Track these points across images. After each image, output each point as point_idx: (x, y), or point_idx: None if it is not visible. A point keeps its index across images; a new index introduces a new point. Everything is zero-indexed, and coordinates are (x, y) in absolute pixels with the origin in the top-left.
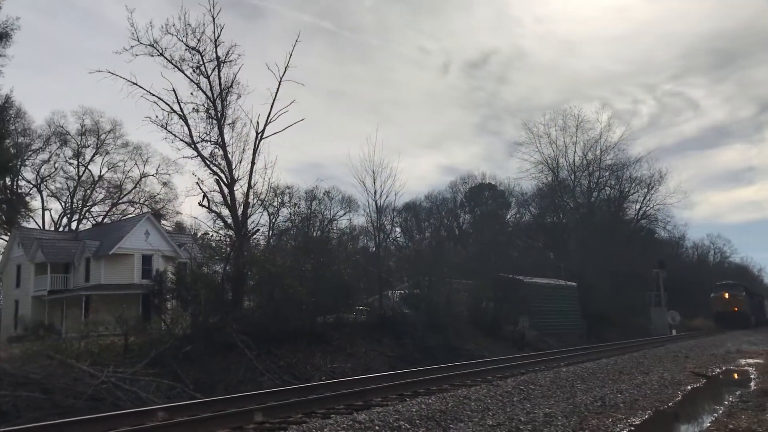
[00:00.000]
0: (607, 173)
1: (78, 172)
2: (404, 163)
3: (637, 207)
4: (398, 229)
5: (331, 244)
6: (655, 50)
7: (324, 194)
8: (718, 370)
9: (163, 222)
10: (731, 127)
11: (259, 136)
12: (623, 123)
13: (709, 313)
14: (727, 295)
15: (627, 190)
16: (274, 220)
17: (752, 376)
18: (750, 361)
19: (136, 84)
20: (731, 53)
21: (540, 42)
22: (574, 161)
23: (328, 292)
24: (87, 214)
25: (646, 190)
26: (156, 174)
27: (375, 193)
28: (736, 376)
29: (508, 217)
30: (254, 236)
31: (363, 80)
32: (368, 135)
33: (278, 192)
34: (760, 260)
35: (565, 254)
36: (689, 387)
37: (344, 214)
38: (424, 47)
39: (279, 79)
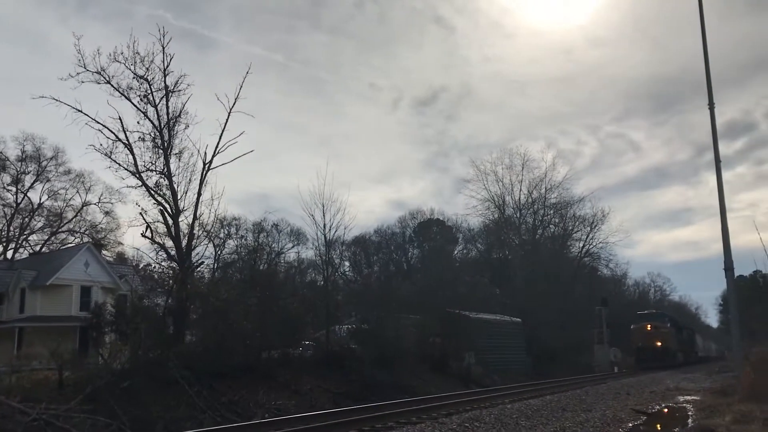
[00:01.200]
0: (552, 211)
1: (16, 199)
2: (354, 196)
3: (581, 245)
4: (347, 263)
5: (278, 278)
6: (598, 92)
7: (272, 227)
8: (657, 407)
9: (104, 252)
10: (670, 168)
11: (207, 166)
12: (567, 163)
13: (629, 348)
14: (649, 327)
15: (570, 228)
16: (219, 253)
17: (690, 413)
18: (688, 398)
19: (80, 111)
20: (670, 98)
21: (488, 81)
22: (519, 199)
23: (274, 327)
24: (24, 242)
25: (589, 228)
26: (98, 203)
27: (324, 226)
28: (675, 413)
29: (456, 252)
30: (198, 269)
31: (314, 113)
32: (318, 168)
33: (225, 223)
34: (698, 298)
35: (511, 290)
36: (630, 424)
37: (292, 247)
38: (374, 83)
39: (228, 110)
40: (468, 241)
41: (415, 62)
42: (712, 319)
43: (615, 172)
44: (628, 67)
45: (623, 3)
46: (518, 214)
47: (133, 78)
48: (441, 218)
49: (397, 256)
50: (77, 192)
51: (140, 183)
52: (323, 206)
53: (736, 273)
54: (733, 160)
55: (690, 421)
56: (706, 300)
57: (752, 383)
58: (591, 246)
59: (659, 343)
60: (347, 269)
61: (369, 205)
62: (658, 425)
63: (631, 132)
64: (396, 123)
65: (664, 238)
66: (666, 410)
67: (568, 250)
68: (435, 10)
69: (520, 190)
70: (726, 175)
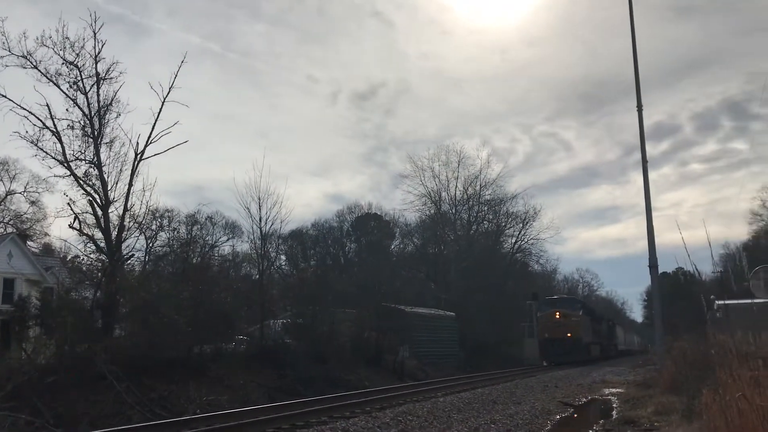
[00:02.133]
0: (486, 208)
1: None
2: (291, 189)
3: (513, 241)
4: (283, 257)
5: (211, 272)
6: (531, 92)
7: (206, 219)
8: (584, 399)
9: (29, 243)
10: (599, 168)
11: (139, 156)
12: (502, 160)
13: (535, 340)
14: (557, 315)
15: (504, 224)
16: (151, 245)
17: (614, 405)
18: (613, 390)
19: (4, 96)
20: (599, 98)
21: (426, 78)
22: (455, 195)
23: (207, 322)
24: None
25: (521, 225)
26: (24, 192)
27: (260, 219)
28: (600, 405)
29: (393, 247)
30: (129, 261)
31: (251, 105)
32: (255, 160)
33: (157, 215)
34: (624, 294)
35: (446, 285)
36: (558, 417)
37: (227, 240)
38: (313, 75)
39: (162, 99)
40: (405, 236)
41: (354, 56)
42: (637, 313)
43: (547, 170)
44: (561, 68)
45: (557, 4)
46: (454, 210)
47: (63, 64)
48: (378, 213)
49: (334, 250)
50: (1, 180)
51: (68, 172)
52: (259, 199)
53: (660, 270)
54: (659, 161)
55: (614, 413)
56: (631, 295)
57: (673, 376)
58: (523, 242)
59: (569, 334)
60: (283, 263)
61: (306, 199)
62: (585, 417)
63: (562, 131)
64: (335, 116)
65: (593, 235)
66: (592, 402)
67: (501, 245)
68: (374, 4)
69: (456, 186)
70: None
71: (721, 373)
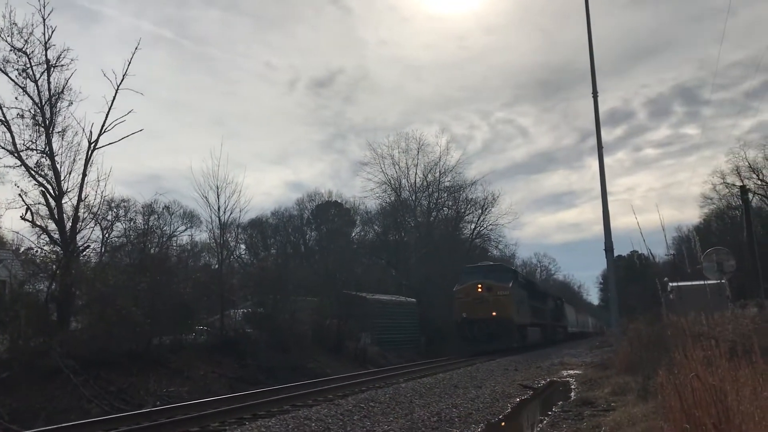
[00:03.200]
0: (445, 194)
1: None
2: (250, 178)
3: (472, 227)
4: (243, 246)
5: (169, 262)
6: (489, 79)
7: (163, 209)
8: (543, 382)
9: None
10: (556, 153)
11: (92, 146)
12: (461, 147)
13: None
14: (479, 289)
15: (463, 210)
16: (107, 236)
17: (572, 387)
18: (571, 372)
19: None
20: (556, 85)
21: (384, 64)
22: (415, 182)
23: (166, 313)
24: None
25: (480, 211)
26: None
27: (219, 209)
28: (559, 387)
29: (354, 234)
30: (84, 253)
31: (207, 92)
32: (212, 148)
33: (113, 206)
34: (580, 277)
35: (407, 271)
36: (518, 399)
37: (185, 230)
38: (270, 62)
39: (116, 87)
40: (365, 224)
41: (312, 42)
42: (594, 296)
43: (505, 156)
44: (518, 55)
45: None
46: (414, 197)
47: (11, 50)
48: (339, 200)
49: (294, 238)
50: None
51: (19, 163)
52: (218, 188)
53: (615, 253)
54: (614, 146)
55: (573, 394)
56: (588, 279)
57: (629, 357)
58: (482, 228)
59: (494, 313)
60: (243, 252)
61: (266, 187)
62: (544, 399)
63: (519, 118)
64: (293, 104)
65: (550, 220)
66: (551, 385)
67: (460, 232)
68: None
69: (416, 173)
70: (607, 161)
71: (676, 353)
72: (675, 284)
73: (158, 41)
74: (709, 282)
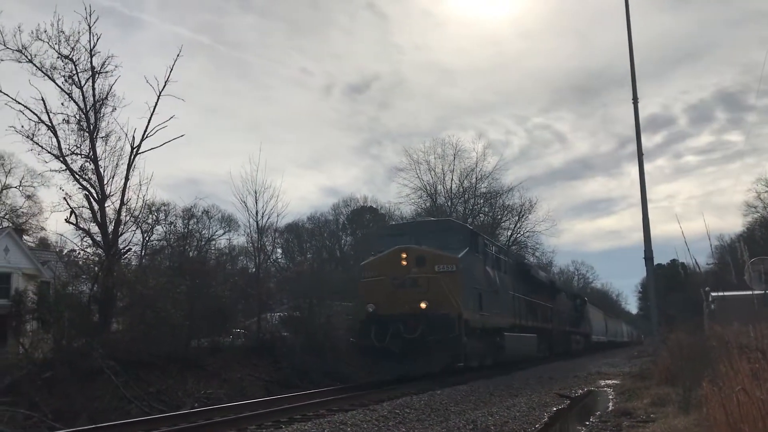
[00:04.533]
0: (482, 201)
1: None
2: (286, 183)
3: (509, 234)
4: (280, 250)
5: (208, 265)
6: (525, 84)
7: (202, 213)
8: (580, 391)
9: (25, 238)
10: (594, 160)
11: (135, 150)
12: (497, 153)
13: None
14: (404, 261)
15: (500, 217)
16: (147, 239)
17: (610, 397)
18: (609, 382)
19: (0, 91)
20: (593, 90)
21: (419, 70)
22: (451, 188)
23: (204, 315)
24: None
25: (517, 217)
26: (19, 186)
27: (257, 213)
28: (596, 397)
29: None
30: (125, 255)
31: (243, 97)
32: (251, 153)
33: (153, 209)
34: (619, 286)
35: None
36: (555, 408)
37: (224, 233)
38: (306, 68)
39: (158, 93)
40: None
41: (348, 48)
42: (632, 305)
43: (542, 162)
44: (554, 59)
45: None
46: (450, 203)
47: (58, 58)
48: (374, 206)
49: (330, 243)
50: None
51: (64, 167)
52: (256, 192)
53: (655, 262)
54: (654, 152)
55: (611, 404)
56: (626, 287)
57: (669, 367)
58: (519, 235)
59: (424, 305)
60: (280, 256)
61: (301, 192)
62: (581, 409)
63: (557, 123)
64: (328, 109)
65: (588, 227)
66: (588, 394)
67: (497, 238)
68: None
69: (452, 179)
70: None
71: (722, 365)
72: (717, 294)
73: (195, 47)
74: (757, 292)
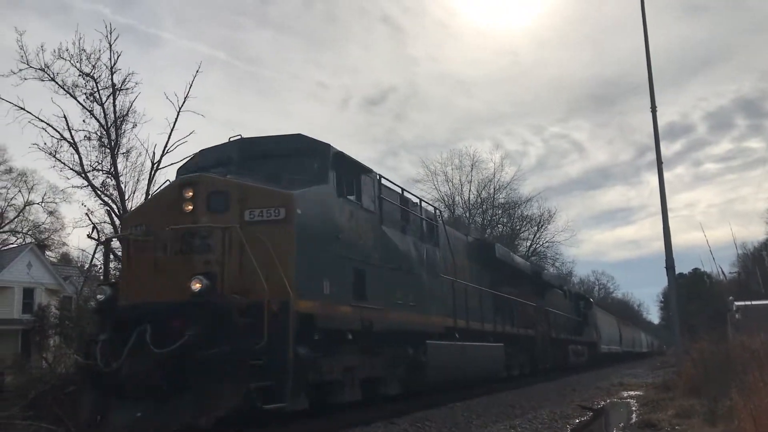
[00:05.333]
0: (500, 211)
1: None
2: None
3: (528, 244)
4: None
5: None
6: (542, 93)
7: None
8: (603, 402)
9: (47, 253)
10: (612, 169)
11: (155, 166)
12: (514, 163)
13: None
14: (188, 204)
15: (518, 227)
16: None
17: (633, 408)
18: (632, 393)
19: (23, 109)
20: (611, 99)
21: (435, 81)
22: (469, 199)
23: None
24: None
25: (536, 228)
26: (42, 202)
27: None
28: (619, 408)
29: None
30: None
31: (260, 111)
32: None
33: None
34: (640, 295)
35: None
36: (577, 420)
37: None
38: (323, 82)
39: (178, 109)
40: None
41: (364, 61)
42: (654, 315)
43: (560, 172)
44: (571, 69)
45: (565, 5)
46: (468, 214)
47: (79, 75)
48: None
49: None
50: (19, 191)
51: (86, 183)
52: None
53: (676, 271)
54: (673, 161)
55: (634, 416)
56: (647, 297)
57: (693, 378)
58: (538, 245)
59: (197, 285)
60: None
61: None
62: (604, 421)
63: (574, 133)
64: (345, 122)
65: (607, 236)
66: (611, 406)
67: (516, 249)
68: (382, 9)
69: (470, 190)
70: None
71: (753, 376)
72: (742, 303)
73: (212, 62)
74: None
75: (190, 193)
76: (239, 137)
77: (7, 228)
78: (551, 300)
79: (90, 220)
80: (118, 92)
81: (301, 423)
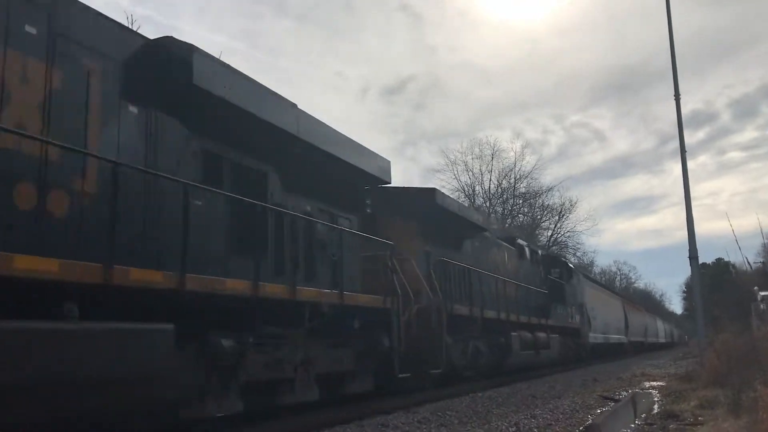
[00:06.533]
0: (521, 201)
1: None
2: None
3: (549, 234)
4: None
5: None
6: (562, 82)
7: None
8: (624, 393)
9: None
10: (634, 158)
11: None
12: (535, 152)
13: None
14: None
15: (539, 217)
16: None
17: (655, 399)
18: (654, 384)
19: None
20: (633, 88)
21: (455, 70)
22: (489, 189)
23: None
24: None
25: (557, 218)
26: None
27: None
28: (641, 399)
29: None
30: None
31: None
32: None
33: None
34: (662, 285)
35: None
36: (598, 410)
37: None
38: (342, 72)
39: None
40: None
41: (383, 51)
42: (677, 305)
43: (581, 161)
44: (592, 57)
45: None
46: (488, 204)
47: None
48: None
49: None
50: None
51: None
52: None
53: (699, 261)
54: (696, 149)
55: (656, 406)
56: (670, 287)
57: (717, 369)
58: (559, 235)
59: None
60: None
61: None
62: (626, 411)
63: (595, 121)
64: (364, 112)
65: (629, 226)
66: (633, 396)
67: (537, 239)
68: None
69: (490, 180)
70: (689, 165)
71: None
72: (766, 293)
73: (231, 54)
74: None
75: None
76: None
77: None
78: (485, 254)
79: None
80: None
81: (316, 413)
